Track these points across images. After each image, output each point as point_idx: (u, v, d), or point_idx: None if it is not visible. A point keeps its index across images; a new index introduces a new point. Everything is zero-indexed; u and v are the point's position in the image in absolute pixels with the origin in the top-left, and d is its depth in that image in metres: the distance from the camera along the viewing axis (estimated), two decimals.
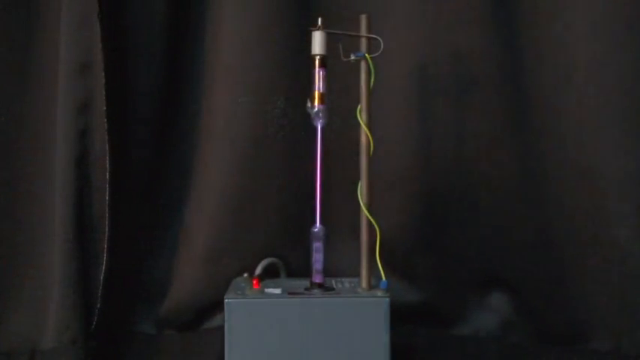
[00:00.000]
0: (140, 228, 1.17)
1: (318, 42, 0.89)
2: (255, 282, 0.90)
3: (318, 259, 0.90)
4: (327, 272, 0.91)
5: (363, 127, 0.89)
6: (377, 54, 0.89)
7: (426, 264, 1.15)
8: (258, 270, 0.98)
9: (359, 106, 0.90)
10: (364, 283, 0.90)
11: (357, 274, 0.91)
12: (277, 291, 0.89)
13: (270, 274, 1.00)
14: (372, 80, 0.90)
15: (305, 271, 0.94)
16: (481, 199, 1.14)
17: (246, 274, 0.96)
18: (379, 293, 0.87)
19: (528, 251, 1.12)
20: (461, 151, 1.14)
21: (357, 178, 0.90)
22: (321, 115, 0.89)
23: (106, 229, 1.08)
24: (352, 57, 0.89)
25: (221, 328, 0.88)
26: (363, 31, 0.90)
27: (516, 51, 1.11)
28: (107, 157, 1.07)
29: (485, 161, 1.13)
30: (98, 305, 1.08)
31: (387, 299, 0.86)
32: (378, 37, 0.89)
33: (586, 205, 1.08)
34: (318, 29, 0.89)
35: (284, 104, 1.14)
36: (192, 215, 1.18)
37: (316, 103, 0.89)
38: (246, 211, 1.14)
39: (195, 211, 1.18)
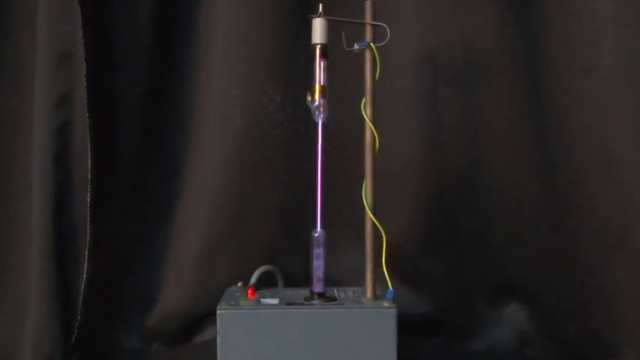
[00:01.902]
0: (125, 232, 1.17)
1: (318, 30, 0.89)
2: (250, 291, 0.90)
3: (318, 266, 0.90)
4: (328, 281, 0.91)
5: (368, 123, 0.89)
6: (383, 43, 0.89)
7: (436, 272, 1.16)
8: (254, 278, 0.97)
9: (363, 100, 0.90)
10: (369, 293, 0.90)
11: (362, 283, 0.91)
12: (274, 301, 0.89)
13: (266, 282, 1.00)
14: (378, 71, 0.90)
15: (305, 280, 0.94)
16: (496, 200, 1.14)
17: (240, 283, 0.96)
18: (385, 304, 0.87)
19: (548, 257, 1.12)
20: (473, 148, 1.15)
21: (362, 178, 0.90)
22: (322, 109, 0.89)
23: (88, 234, 1.08)
24: (356, 46, 0.89)
25: (213, 341, 0.88)
26: (368, 19, 0.90)
27: (534, 38, 1.11)
28: (89, 155, 1.08)
29: (500, 158, 1.14)
30: (78, 317, 1.09)
31: (394, 310, 0.85)
32: (384, 25, 0.89)
33: (611, 204, 1.08)
34: (318, 16, 0.89)
35: (282, 98, 1.14)
36: (183, 218, 1.19)
37: (317, 96, 0.89)
38: (240, 213, 1.15)
39: (185, 214, 1.19)
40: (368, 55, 0.90)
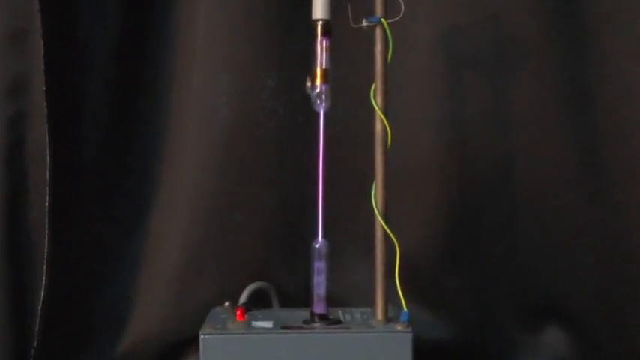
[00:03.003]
0: (90, 241, 1.16)
1: (320, 3, 0.88)
2: (239, 312, 0.90)
3: (320, 282, 0.89)
4: (332, 300, 0.90)
5: (378, 113, 0.89)
6: (396, 19, 0.89)
7: (459, 289, 1.15)
8: (244, 297, 0.98)
9: (373, 86, 0.89)
10: (380, 314, 0.89)
11: (371, 303, 0.91)
12: (268, 324, 0.88)
13: (258, 302, 1.00)
14: (390, 52, 0.89)
15: (303, 299, 0.93)
16: (530, 203, 1.13)
17: (227, 303, 0.96)
18: (399, 327, 0.86)
19: (592, 270, 1.11)
20: (502, 142, 1.14)
21: (371, 178, 0.90)
22: (323, 96, 0.89)
23: (46, 243, 1.08)
24: (365, 23, 0.88)
25: None
26: None
27: (578, 13, 1.11)
28: (47, 151, 1.07)
29: (533, 154, 1.13)
30: (35, 343, 1.08)
31: (410, 334, 0.85)
32: None
33: None
34: None
35: (276, 82, 1.13)
36: (159, 224, 1.18)
37: (318, 81, 0.89)
38: (228, 219, 1.14)
39: (162, 219, 1.18)
40: (378, 33, 0.89)
